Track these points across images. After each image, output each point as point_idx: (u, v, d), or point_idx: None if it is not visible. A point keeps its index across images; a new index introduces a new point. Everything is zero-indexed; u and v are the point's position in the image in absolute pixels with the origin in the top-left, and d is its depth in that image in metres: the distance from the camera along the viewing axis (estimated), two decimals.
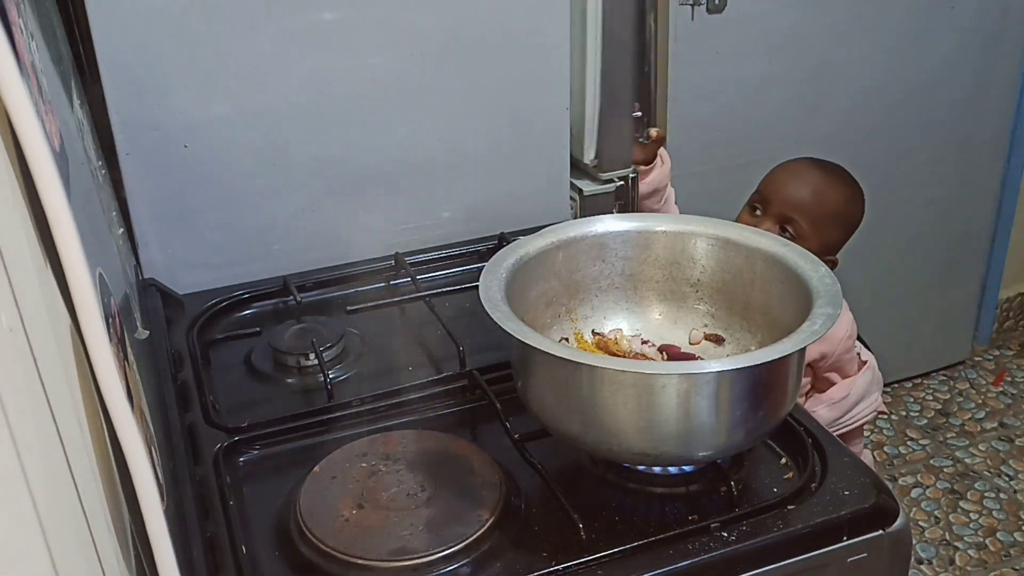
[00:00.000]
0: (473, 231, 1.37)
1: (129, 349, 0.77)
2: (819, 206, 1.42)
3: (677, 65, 1.81)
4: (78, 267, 0.48)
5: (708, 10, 1.79)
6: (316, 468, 0.91)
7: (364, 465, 0.92)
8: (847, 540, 0.85)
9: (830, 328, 0.84)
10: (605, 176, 1.42)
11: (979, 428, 2.28)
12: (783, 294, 0.95)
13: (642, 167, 1.50)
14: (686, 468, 0.91)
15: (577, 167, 1.44)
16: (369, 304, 1.21)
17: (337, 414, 1.02)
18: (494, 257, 0.97)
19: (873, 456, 2.21)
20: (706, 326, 1.03)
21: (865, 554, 0.86)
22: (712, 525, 0.84)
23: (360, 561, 0.82)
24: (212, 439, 0.98)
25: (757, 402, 0.84)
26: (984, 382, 2.43)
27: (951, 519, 2.02)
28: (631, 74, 1.37)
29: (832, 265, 1.41)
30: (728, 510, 0.87)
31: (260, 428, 0.99)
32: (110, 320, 0.69)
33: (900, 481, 2.12)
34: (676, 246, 1.03)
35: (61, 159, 0.65)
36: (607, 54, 1.35)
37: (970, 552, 1.94)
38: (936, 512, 2.04)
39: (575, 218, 1.41)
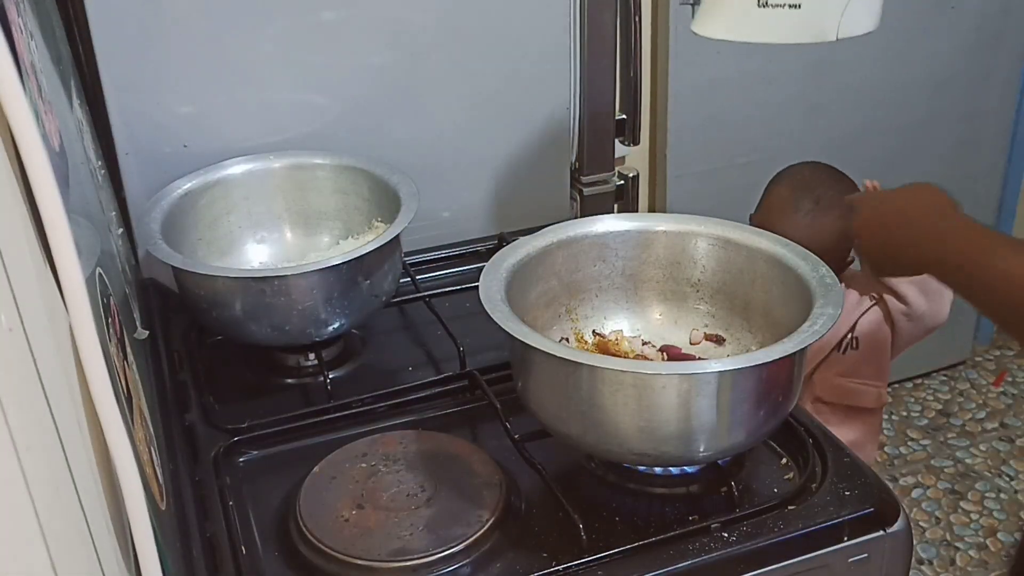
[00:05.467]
0: (473, 231, 1.37)
1: (129, 349, 0.77)
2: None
3: (677, 65, 1.80)
4: (71, 269, 0.48)
5: None
6: (316, 468, 0.91)
7: (364, 465, 0.92)
8: (848, 540, 0.85)
9: (830, 328, 0.84)
10: (587, 179, 1.41)
11: (980, 428, 2.27)
12: (784, 294, 0.95)
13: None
14: (686, 468, 0.91)
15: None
16: None
17: (337, 414, 1.02)
18: (494, 257, 0.97)
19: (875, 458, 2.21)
20: (706, 326, 1.03)
21: (866, 554, 0.86)
22: (712, 525, 0.84)
23: (360, 562, 0.81)
24: (212, 439, 0.98)
25: (758, 402, 0.84)
26: (985, 382, 2.43)
27: (952, 519, 2.01)
28: (612, 77, 1.37)
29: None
30: (729, 510, 0.87)
31: (260, 428, 0.99)
32: (109, 320, 0.69)
33: (901, 481, 2.12)
34: (676, 246, 1.03)
35: (60, 159, 0.65)
36: (587, 57, 1.35)
37: (971, 552, 1.93)
38: (937, 512, 2.03)
39: (575, 218, 1.41)
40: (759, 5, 0.99)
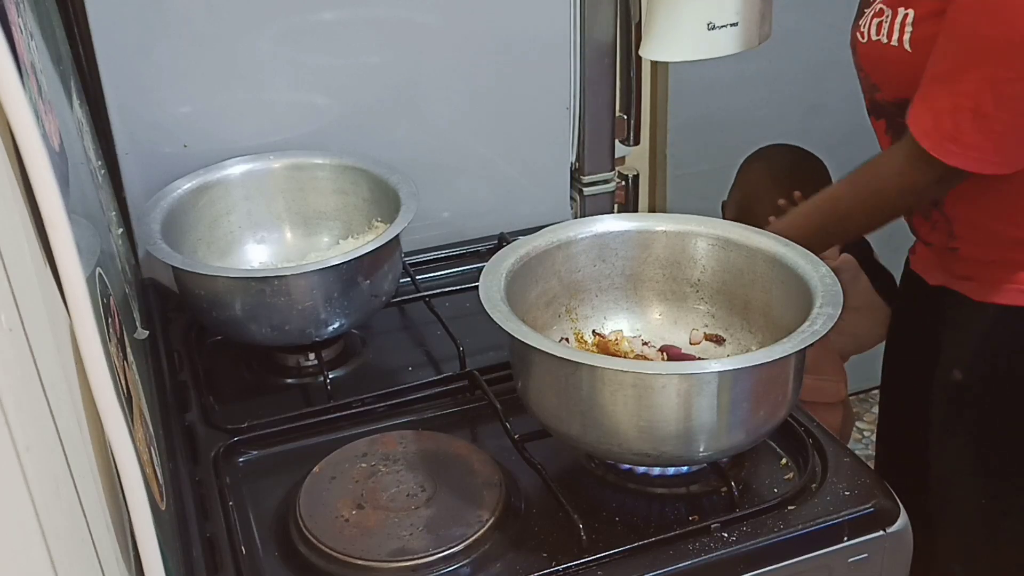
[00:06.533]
0: (473, 231, 1.37)
1: (129, 349, 0.77)
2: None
3: (677, 65, 1.81)
4: (71, 269, 0.48)
5: None
6: (316, 468, 0.91)
7: (364, 465, 0.92)
8: (848, 541, 0.85)
9: (830, 328, 0.84)
10: (587, 179, 1.42)
11: None
12: (783, 294, 0.95)
13: None
14: (686, 468, 0.91)
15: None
16: None
17: (337, 414, 1.02)
18: (494, 257, 0.96)
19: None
20: (706, 326, 1.03)
21: (866, 555, 0.86)
22: (712, 526, 0.84)
23: (360, 562, 0.81)
24: (212, 439, 0.98)
25: (757, 402, 0.84)
26: None
27: None
28: (612, 77, 1.37)
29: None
30: (728, 511, 0.87)
31: (260, 428, 0.99)
32: (109, 320, 0.69)
33: None
34: (676, 246, 1.03)
35: (60, 159, 0.65)
36: (587, 57, 1.35)
37: None
38: None
39: (575, 218, 1.41)
40: (709, 28, 1.19)
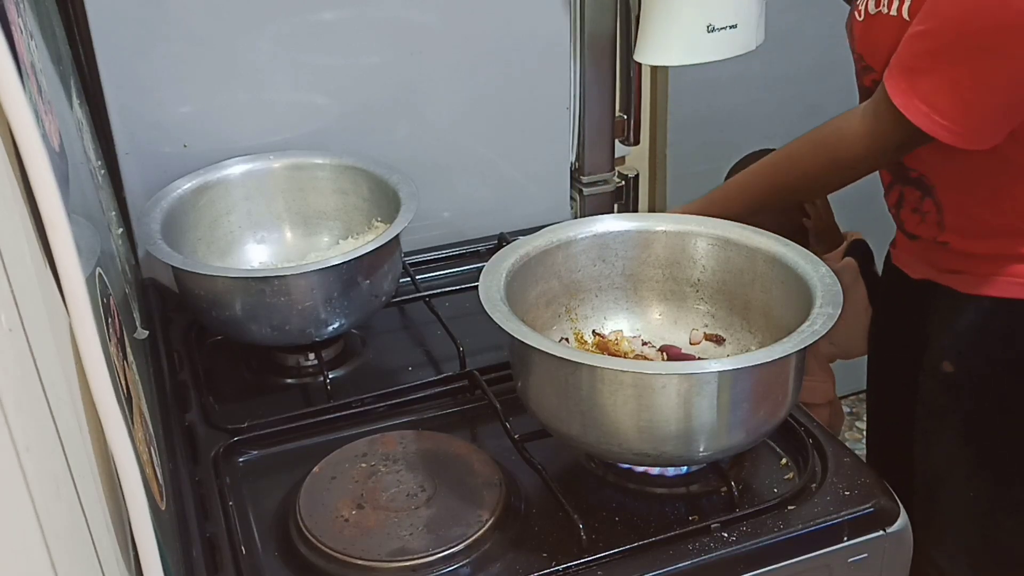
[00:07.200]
0: (473, 231, 1.37)
1: (129, 349, 0.77)
2: None
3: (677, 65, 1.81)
4: (71, 269, 0.48)
5: None
6: (316, 468, 0.91)
7: (364, 465, 0.92)
8: (848, 541, 0.85)
9: (830, 328, 0.84)
10: (587, 179, 1.42)
11: None
12: (783, 294, 0.95)
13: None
14: (685, 468, 0.91)
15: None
16: None
17: (337, 414, 1.02)
18: (494, 257, 0.97)
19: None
20: (706, 326, 1.03)
21: (866, 555, 0.86)
22: (712, 525, 0.84)
23: (360, 562, 0.81)
24: (212, 439, 0.98)
25: (757, 402, 0.84)
26: None
27: None
28: (611, 77, 1.37)
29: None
30: (728, 510, 0.87)
31: (260, 428, 0.99)
32: (109, 320, 0.69)
33: None
34: (676, 246, 1.03)
35: (60, 159, 0.65)
36: (587, 57, 1.35)
37: None
38: None
39: (575, 218, 1.41)
40: (708, 31, 1.18)
